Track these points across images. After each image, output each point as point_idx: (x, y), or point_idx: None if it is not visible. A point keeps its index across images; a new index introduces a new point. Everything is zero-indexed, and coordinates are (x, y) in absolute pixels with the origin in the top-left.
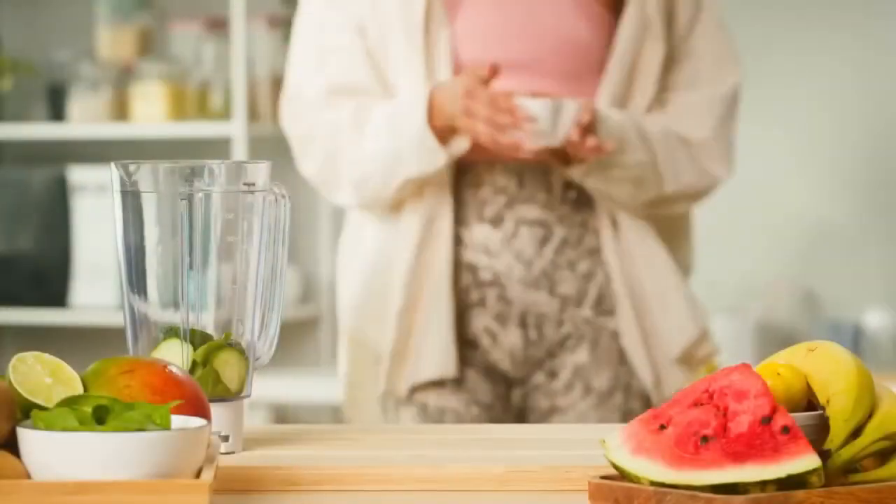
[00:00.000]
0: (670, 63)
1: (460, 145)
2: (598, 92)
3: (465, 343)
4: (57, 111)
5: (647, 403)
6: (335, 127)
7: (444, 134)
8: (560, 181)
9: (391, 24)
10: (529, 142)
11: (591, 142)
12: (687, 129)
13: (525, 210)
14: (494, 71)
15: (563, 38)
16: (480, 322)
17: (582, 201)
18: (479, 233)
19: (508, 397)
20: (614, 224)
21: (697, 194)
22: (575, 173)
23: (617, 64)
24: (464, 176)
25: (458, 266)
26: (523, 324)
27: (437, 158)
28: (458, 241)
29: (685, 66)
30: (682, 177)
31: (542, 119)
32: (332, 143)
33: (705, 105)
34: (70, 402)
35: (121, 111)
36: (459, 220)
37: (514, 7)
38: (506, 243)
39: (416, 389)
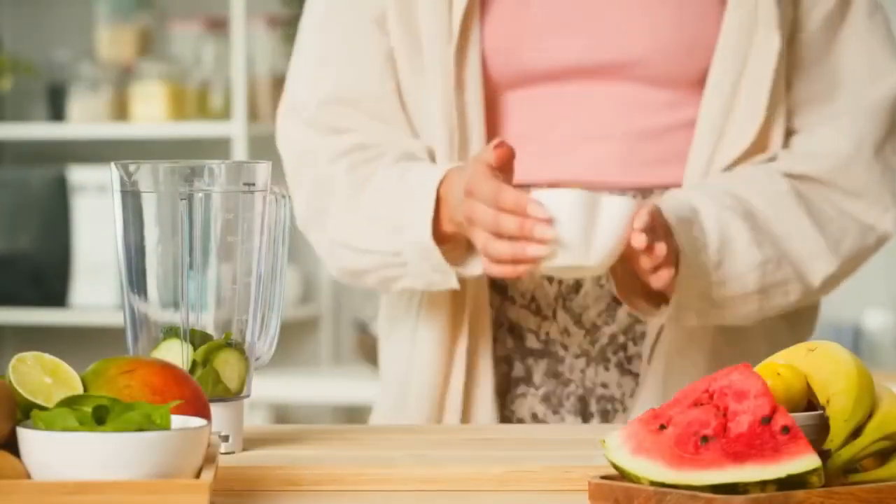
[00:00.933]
0: (797, 64)
1: (475, 268)
2: (702, 107)
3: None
4: (57, 111)
5: None
6: (328, 179)
7: (456, 244)
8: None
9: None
10: (546, 259)
11: (660, 249)
12: (821, 168)
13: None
14: (503, 154)
15: (652, 32)
16: (525, 406)
17: None
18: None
19: None
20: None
21: (858, 263)
22: (655, 315)
23: (721, 67)
24: None
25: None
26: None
27: (445, 279)
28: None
29: (820, 68)
30: (830, 254)
31: (567, 223)
32: (321, 200)
33: (848, 124)
34: (70, 402)
35: (121, 111)
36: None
37: None
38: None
39: None
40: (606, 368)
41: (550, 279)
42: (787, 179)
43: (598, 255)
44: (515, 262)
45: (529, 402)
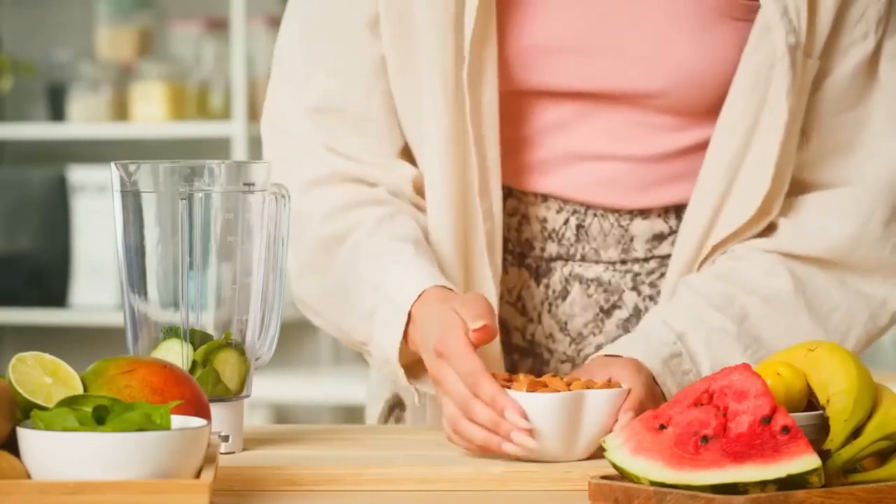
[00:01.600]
0: (818, 113)
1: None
2: (701, 175)
3: None
4: (57, 111)
5: None
6: (303, 216)
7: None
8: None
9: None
10: (514, 447)
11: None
12: (826, 250)
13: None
14: (483, 337)
15: (669, 66)
16: None
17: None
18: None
19: None
20: None
21: (870, 345)
22: None
23: (738, 99)
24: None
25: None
26: None
27: (407, 390)
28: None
29: (840, 119)
30: (843, 335)
31: (548, 428)
32: (296, 233)
33: (856, 199)
34: (70, 402)
35: (121, 111)
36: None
37: (600, 9)
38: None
39: None
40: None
41: (538, 281)
42: (787, 268)
43: (580, 451)
44: (485, 448)
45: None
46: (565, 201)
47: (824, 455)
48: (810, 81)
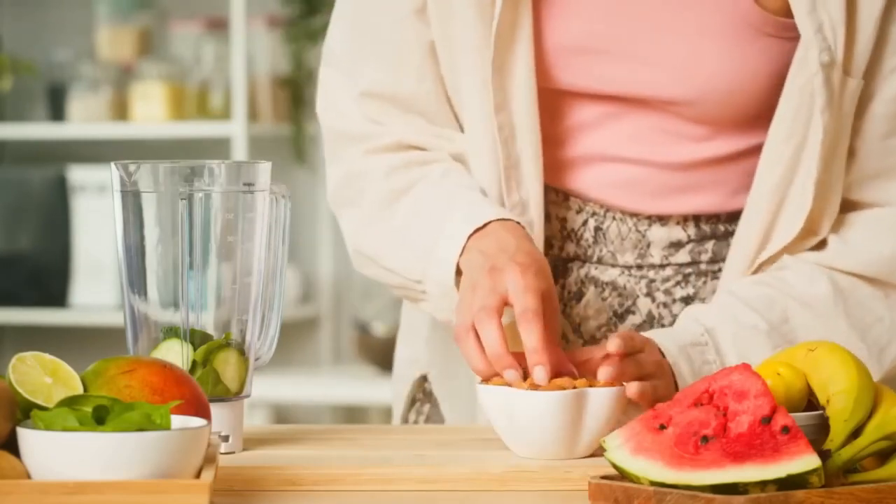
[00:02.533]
0: (865, 136)
1: None
2: (751, 196)
3: None
4: (57, 111)
5: None
6: (362, 174)
7: None
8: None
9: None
10: (529, 452)
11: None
12: (868, 267)
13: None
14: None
15: (702, 75)
16: None
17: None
18: None
19: None
20: None
21: None
22: None
23: (784, 119)
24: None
25: None
26: None
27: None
28: None
29: (886, 143)
30: (872, 363)
31: (552, 424)
32: (351, 190)
33: None
34: (70, 402)
35: (121, 111)
36: None
37: (634, 15)
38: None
39: None
40: None
41: (555, 281)
42: (829, 279)
43: (582, 449)
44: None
45: None
46: (585, 201)
47: (824, 455)
48: (854, 101)
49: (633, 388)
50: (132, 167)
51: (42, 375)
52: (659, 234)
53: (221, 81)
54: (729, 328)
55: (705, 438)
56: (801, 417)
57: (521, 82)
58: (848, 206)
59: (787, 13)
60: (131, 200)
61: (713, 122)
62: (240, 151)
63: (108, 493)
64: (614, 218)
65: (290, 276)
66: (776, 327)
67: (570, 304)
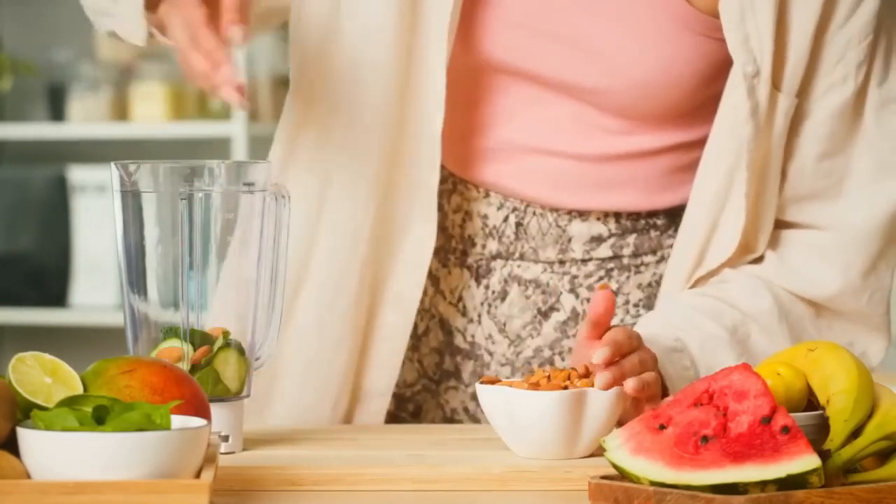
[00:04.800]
0: (799, 156)
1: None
2: (697, 179)
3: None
4: (57, 111)
5: None
6: None
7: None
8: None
9: None
10: (529, 453)
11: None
12: (805, 293)
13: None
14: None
15: (632, 66)
16: (457, 399)
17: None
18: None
19: None
20: None
21: None
22: None
23: (718, 137)
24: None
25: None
26: None
27: (135, 27)
28: (432, 285)
29: (824, 165)
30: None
31: (551, 424)
32: None
33: (838, 248)
34: (70, 402)
35: (121, 111)
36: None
37: (570, 6)
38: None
39: None
40: None
41: (478, 281)
42: (771, 293)
43: (581, 449)
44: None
45: (461, 396)
46: (506, 197)
47: (824, 455)
48: (787, 119)
49: (630, 384)
50: (132, 167)
51: (42, 375)
52: (579, 229)
53: None
54: (696, 335)
55: (705, 438)
56: (801, 417)
57: (439, 47)
58: (782, 225)
59: (717, 13)
60: (131, 200)
61: (633, 115)
62: (240, 151)
63: (108, 493)
64: (535, 213)
65: None
66: (732, 335)
67: (495, 304)
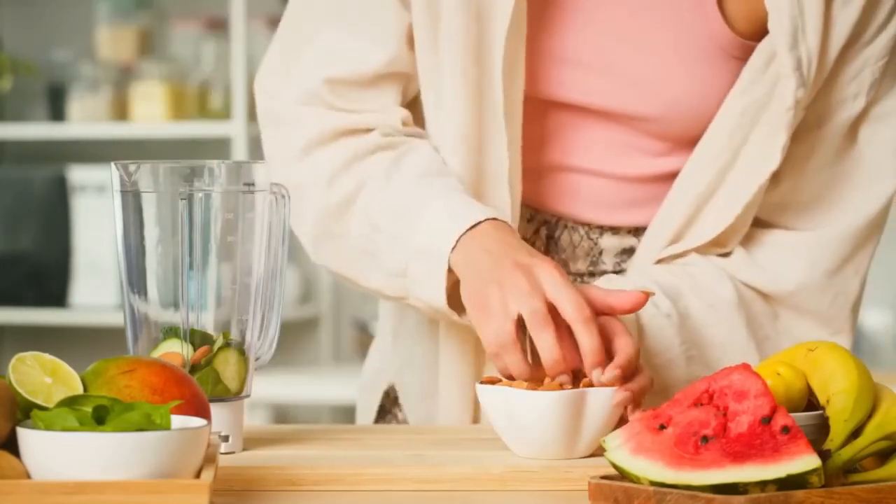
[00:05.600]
0: (799, 162)
1: None
2: (672, 192)
3: None
4: (57, 111)
5: None
6: (311, 185)
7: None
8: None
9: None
10: (529, 452)
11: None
12: (768, 288)
13: None
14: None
15: (668, 94)
16: None
17: None
18: None
19: None
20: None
21: None
22: None
23: (720, 134)
24: None
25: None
26: None
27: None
28: None
29: (821, 175)
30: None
31: (552, 423)
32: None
33: (809, 247)
34: (70, 402)
35: (121, 111)
36: None
37: (612, 31)
38: None
39: None
40: None
41: None
42: (733, 284)
43: (582, 449)
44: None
45: None
46: (537, 210)
47: (824, 455)
48: (793, 130)
49: (619, 396)
50: (132, 167)
51: (42, 375)
52: (611, 243)
53: (221, 81)
54: (648, 309)
55: (705, 438)
56: (801, 417)
57: (517, 87)
58: (759, 224)
59: (756, 37)
60: (131, 200)
61: (673, 138)
62: (240, 151)
63: (108, 493)
64: (566, 227)
65: (290, 276)
66: (683, 323)
67: None
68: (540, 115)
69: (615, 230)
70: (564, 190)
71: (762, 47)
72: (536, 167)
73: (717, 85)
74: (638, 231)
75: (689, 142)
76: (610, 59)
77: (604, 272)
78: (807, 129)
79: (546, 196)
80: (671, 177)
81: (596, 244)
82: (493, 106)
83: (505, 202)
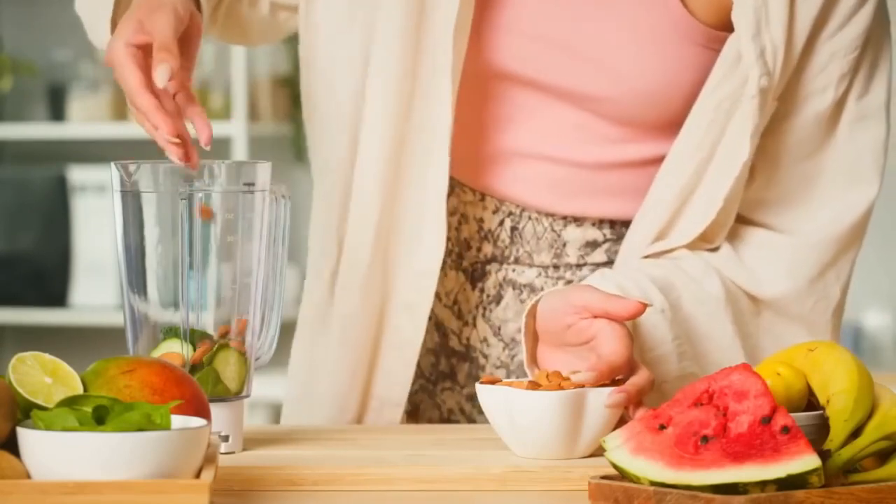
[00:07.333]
0: (774, 157)
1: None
2: (652, 191)
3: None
4: (57, 111)
5: None
6: None
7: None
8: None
9: None
10: (529, 453)
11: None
12: (752, 290)
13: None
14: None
15: (633, 76)
16: (452, 400)
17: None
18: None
19: None
20: None
21: None
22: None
23: (696, 130)
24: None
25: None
26: None
27: (99, 35)
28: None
29: (796, 169)
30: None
31: (551, 425)
32: None
33: (791, 252)
34: (70, 402)
35: (121, 111)
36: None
37: (572, 7)
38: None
39: None
40: None
41: (474, 285)
42: (720, 280)
43: (581, 449)
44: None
45: (456, 397)
46: (501, 201)
47: (824, 455)
48: (765, 122)
49: (613, 398)
50: (132, 167)
51: (42, 375)
52: (574, 234)
53: (221, 81)
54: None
55: (705, 438)
56: (801, 417)
57: (458, 64)
58: (742, 221)
59: (721, 26)
60: (131, 200)
61: (632, 123)
62: (240, 151)
63: (108, 493)
64: (530, 218)
65: (290, 276)
66: (675, 315)
67: (490, 308)
68: (501, 97)
69: (578, 222)
70: (525, 178)
71: (733, 40)
72: (497, 153)
73: (677, 70)
74: (601, 223)
75: (648, 129)
76: (566, 35)
77: (568, 265)
78: (778, 122)
79: (508, 184)
80: (632, 166)
81: (559, 236)
82: (435, 69)
83: (443, 159)
